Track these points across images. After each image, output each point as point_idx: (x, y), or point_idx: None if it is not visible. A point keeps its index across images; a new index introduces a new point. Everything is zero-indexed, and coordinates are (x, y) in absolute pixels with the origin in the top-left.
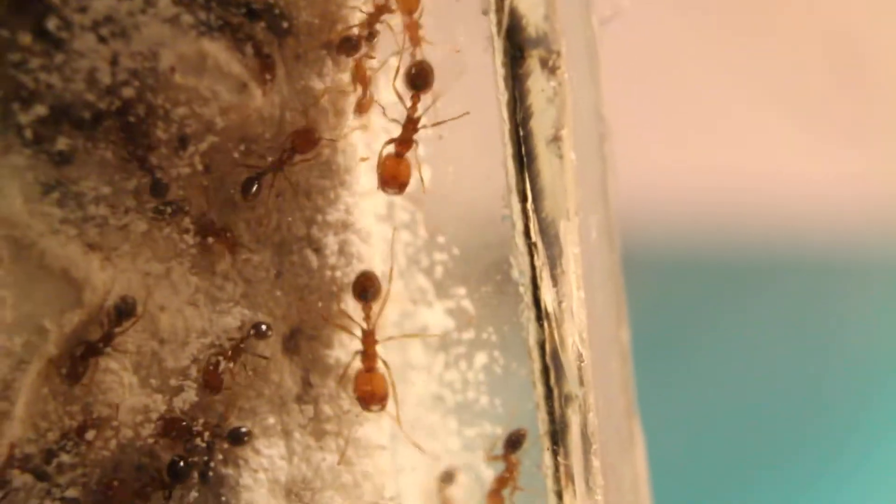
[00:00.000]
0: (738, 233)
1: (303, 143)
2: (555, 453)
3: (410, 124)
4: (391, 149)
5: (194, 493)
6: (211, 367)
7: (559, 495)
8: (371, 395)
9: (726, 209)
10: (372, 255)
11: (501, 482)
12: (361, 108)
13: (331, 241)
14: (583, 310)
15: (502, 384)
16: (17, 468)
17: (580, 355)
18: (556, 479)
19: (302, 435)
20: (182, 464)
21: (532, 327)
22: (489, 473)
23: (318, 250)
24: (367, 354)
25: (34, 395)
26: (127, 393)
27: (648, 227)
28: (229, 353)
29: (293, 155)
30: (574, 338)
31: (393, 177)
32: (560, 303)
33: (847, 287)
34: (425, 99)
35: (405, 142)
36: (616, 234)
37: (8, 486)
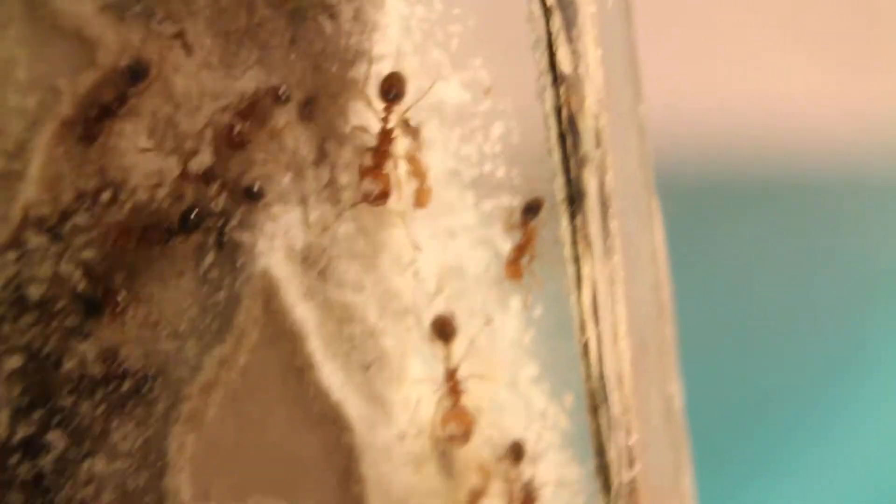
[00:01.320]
0: (733, 154)
1: None
2: (572, 218)
3: (384, 136)
4: (369, 160)
5: (210, 258)
6: (226, 128)
7: (576, 261)
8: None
9: (722, 130)
10: (387, 23)
11: (519, 250)
12: (420, 199)
13: (345, 8)
14: (599, 71)
15: (519, 154)
16: (32, 229)
17: (597, 116)
18: (574, 245)
19: (318, 202)
20: (194, 214)
21: (548, 93)
22: (507, 247)
23: (333, 16)
24: (452, 391)
25: (48, 156)
26: (141, 156)
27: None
28: (245, 113)
29: None
30: (591, 99)
31: (379, 191)
32: (576, 66)
33: (845, 207)
34: None
35: (381, 153)
36: (633, 7)
37: (23, 248)
